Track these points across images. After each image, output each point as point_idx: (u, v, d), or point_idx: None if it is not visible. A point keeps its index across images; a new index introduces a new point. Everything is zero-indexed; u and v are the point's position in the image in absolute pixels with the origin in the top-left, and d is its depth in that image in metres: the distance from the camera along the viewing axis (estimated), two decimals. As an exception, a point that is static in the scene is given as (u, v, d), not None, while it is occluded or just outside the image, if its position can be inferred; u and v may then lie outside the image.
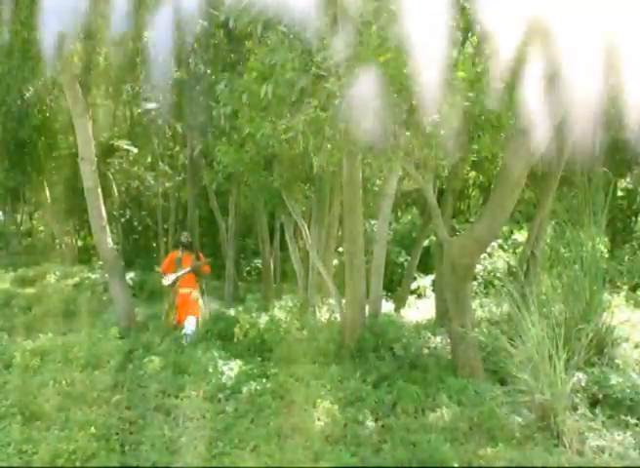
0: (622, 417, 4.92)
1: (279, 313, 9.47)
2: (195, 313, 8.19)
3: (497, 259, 14.14)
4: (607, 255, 11.87)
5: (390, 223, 13.09)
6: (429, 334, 8.08)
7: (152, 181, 18.81)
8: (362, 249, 7.71)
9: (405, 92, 4.85)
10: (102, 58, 11.43)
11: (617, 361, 6.04)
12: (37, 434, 4.19)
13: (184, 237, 8.84)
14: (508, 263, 13.83)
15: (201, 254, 8.86)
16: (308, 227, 9.83)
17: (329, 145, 5.76)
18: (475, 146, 6.16)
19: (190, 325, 7.90)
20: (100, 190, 8.37)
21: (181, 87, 12.06)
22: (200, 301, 8.43)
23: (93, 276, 13.59)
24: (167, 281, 8.32)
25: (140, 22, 10.08)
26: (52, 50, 7.85)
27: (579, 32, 4.95)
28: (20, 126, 15.33)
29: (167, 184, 18.97)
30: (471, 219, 16.39)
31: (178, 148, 18.01)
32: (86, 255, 19.00)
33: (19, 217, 26.19)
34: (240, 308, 10.15)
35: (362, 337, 7.20)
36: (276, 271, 14.82)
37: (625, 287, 11.18)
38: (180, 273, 8.27)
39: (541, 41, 5.36)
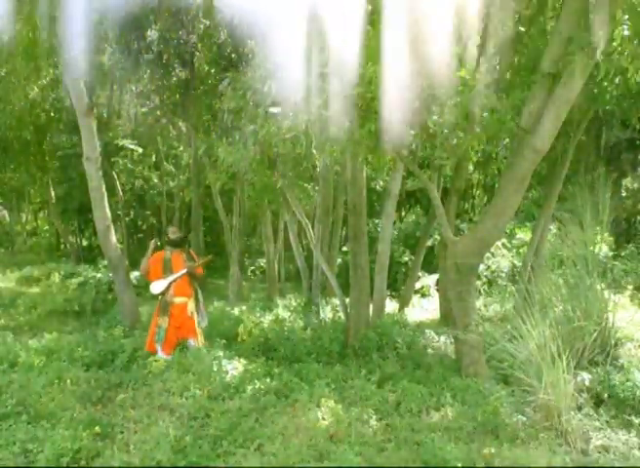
0: (627, 417, 4.91)
1: (283, 312, 9.50)
2: (194, 335, 6.75)
3: (500, 259, 14.14)
4: (611, 255, 11.87)
5: (394, 223, 13.08)
6: (433, 334, 8.09)
7: (157, 181, 18.86)
8: (366, 248, 7.72)
9: (408, 91, 4.85)
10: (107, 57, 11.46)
11: (621, 360, 6.03)
12: (42, 433, 4.20)
13: (172, 233, 7.06)
14: (512, 263, 13.82)
15: (193, 253, 7.35)
16: (312, 227, 9.84)
17: (332, 145, 5.76)
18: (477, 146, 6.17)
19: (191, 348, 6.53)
20: (104, 190, 8.38)
21: (186, 86, 12.08)
22: (196, 317, 6.89)
23: (97, 275, 13.62)
24: (157, 289, 6.68)
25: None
26: (56, 49, 7.88)
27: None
28: (24, 125, 15.39)
29: (171, 184, 19.01)
30: (475, 219, 16.40)
31: (182, 148, 18.05)
32: (90, 255, 19.03)
33: (24, 217, 26.31)
34: (244, 307, 10.17)
35: (366, 337, 7.21)
36: (280, 270, 14.83)
37: (630, 286, 11.16)
38: (173, 277, 6.70)
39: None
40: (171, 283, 6.69)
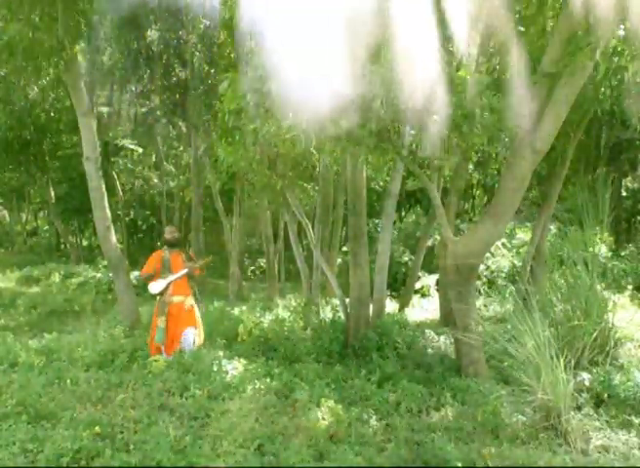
0: (627, 417, 4.91)
1: (283, 312, 9.49)
2: (193, 323, 6.71)
3: (500, 259, 14.14)
4: (611, 255, 11.88)
5: (394, 223, 13.09)
6: (433, 334, 8.09)
7: (157, 181, 18.87)
8: (366, 248, 7.71)
9: (409, 91, 4.84)
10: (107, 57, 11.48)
11: (621, 360, 6.03)
12: (42, 433, 4.19)
13: (169, 233, 6.97)
14: (512, 263, 13.83)
15: (192, 253, 7.39)
16: (312, 227, 9.83)
17: (332, 144, 5.76)
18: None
19: (189, 336, 6.57)
20: (104, 190, 8.38)
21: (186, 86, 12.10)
22: (197, 311, 6.87)
23: (97, 275, 13.65)
24: (155, 288, 6.62)
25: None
26: (56, 49, 7.87)
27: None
28: (24, 125, 15.41)
29: (171, 184, 19.03)
30: (475, 219, 16.40)
31: (182, 148, 18.07)
32: (90, 255, 19.07)
33: (24, 217, 26.32)
34: (244, 307, 10.17)
35: (366, 337, 7.20)
36: (280, 270, 14.84)
37: (630, 286, 11.17)
38: (172, 278, 6.64)
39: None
40: (170, 283, 6.63)
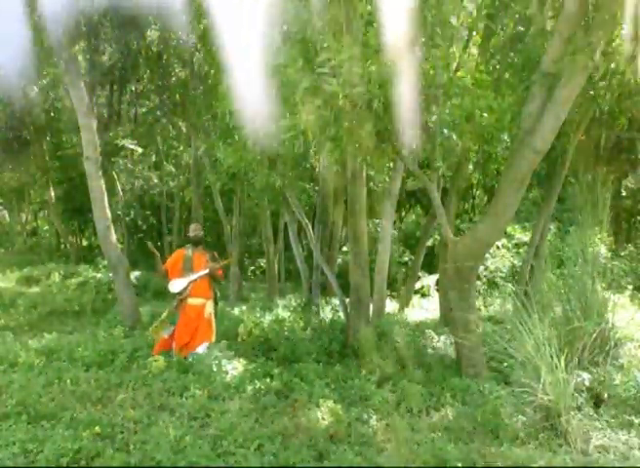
0: (627, 417, 4.91)
1: (283, 312, 9.49)
2: (209, 338, 6.61)
3: (500, 259, 14.13)
4: (610, 255, 11.85)
5: (394, 223, 13.08)
6: (433, 334, 8.09)
7: (157, 181, 18.85)
8: (366, 248, 7.71)
9: (408, 91, 4.85)
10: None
11: (621, 360, 6.03)
12: (42, 433, 4.20)
13: (193, 231, 6.80)
14: (512, 263, 13.82)
15: (216, 254, 7.01)
16: (312, 227, 9.83)
17: (332, 145, 5.76)
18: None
19: (201, 351, 6.41)
20: (104, 189, 8.38)
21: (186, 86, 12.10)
22: (213, 319, 6.72)
23: (97, 275, 13.62)
24: (175, 287, 6.45)
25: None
26: (57, 49, 7.87)
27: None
28: (24, 125, 15.38)
29: (171, 184, 19.00)
30: (475, 219, 16.39)
31: (182, 148, 18.05)
32: (90, 255, 19.02)
33: (24, 217, 26.28)
34: (244, 307, 10.16)
35: (366, 337, 7.20)
36: (280, 271, 14.82)
37: (630, 286, 11.15)
38: (193, 277, 6.47)
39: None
40: (190, 282, 6.49)
